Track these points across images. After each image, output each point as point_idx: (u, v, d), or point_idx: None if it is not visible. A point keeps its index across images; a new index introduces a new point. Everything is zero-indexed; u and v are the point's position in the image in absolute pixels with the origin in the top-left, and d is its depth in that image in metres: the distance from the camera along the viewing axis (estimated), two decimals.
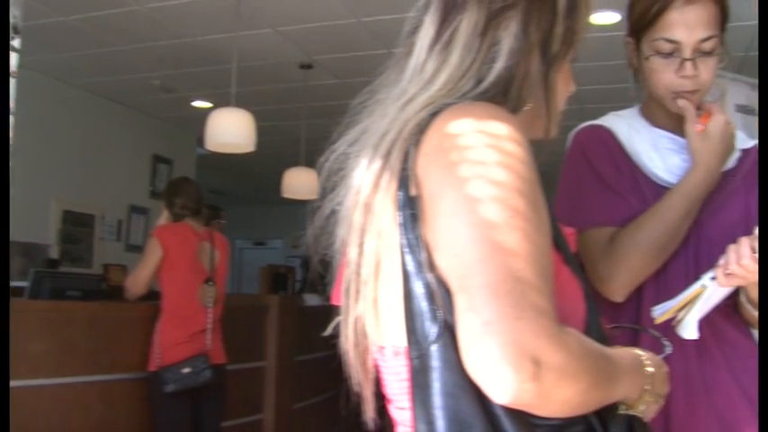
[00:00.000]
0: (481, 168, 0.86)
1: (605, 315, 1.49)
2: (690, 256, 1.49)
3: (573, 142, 1.60)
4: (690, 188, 1.46)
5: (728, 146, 1.51)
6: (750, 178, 1.56)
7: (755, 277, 1.26)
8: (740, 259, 1.25)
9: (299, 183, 5.88)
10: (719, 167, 1.50)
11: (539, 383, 0.78)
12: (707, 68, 1.48)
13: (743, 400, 1.46)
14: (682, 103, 1.49)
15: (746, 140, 1.62)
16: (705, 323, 1.41)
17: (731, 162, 1.56)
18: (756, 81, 3.55)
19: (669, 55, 1.47)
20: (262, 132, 4.95)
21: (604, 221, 1.49)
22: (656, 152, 1.55)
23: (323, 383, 5.31)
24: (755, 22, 4.83)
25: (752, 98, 3.48)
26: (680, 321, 1.36)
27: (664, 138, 1.57)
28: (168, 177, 7.38)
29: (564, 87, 1.10)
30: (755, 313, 1.45)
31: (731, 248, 1.27)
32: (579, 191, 1.54)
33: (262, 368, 4.89)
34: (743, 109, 3.45)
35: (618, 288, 1.45)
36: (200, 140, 5.04)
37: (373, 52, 5.28)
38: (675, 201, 1.45)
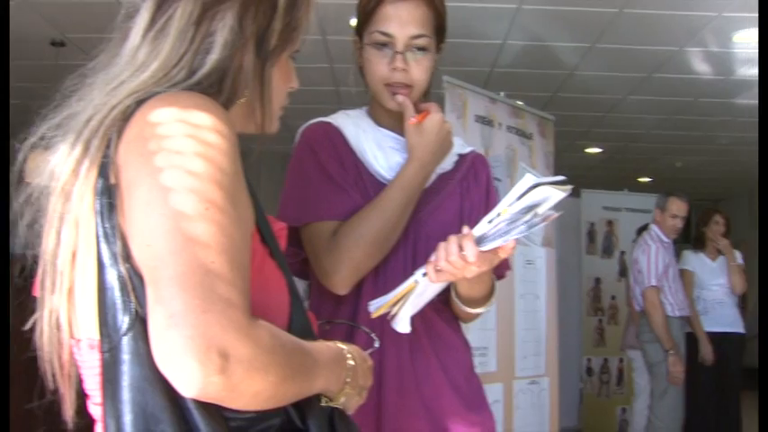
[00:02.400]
0: (179, 158, 0.85)
1: (326, 309, 1.54)
2: (408, 254, 1.56)
3: (300, 138, 1.62)
4: (405, 181, 1.53)
5: (444, 142, 1.59)
6: (465, 182, 1.67)
7: (463, 274, 1.35)
8: (448, 256, 1.32)
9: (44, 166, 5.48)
10: (434, 162, 1.58)
11: (226, 377, 0.78)
12: (418, 66, 1.56)
13: (450, 392, 1.56)
14: (400, 98, 1.56)
15: (464, 146, 1.73)
16: (419, 318, 1.49)
17: (449, 165, 1.66)
18: (495, 95, 3.82)
19: (383, 47, 1.55)
20: None
21: (328, 215, 1.53)
22: (381, 151, 1.61)
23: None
24: (501, 41, 5.18)
25: (490, 110, 3.74)
26: (394, 316, 1.42)
27: (388, 137, 1.63)
28: None
29: (283, 83, 1.11)
30: (465, 308, 1.56)
31: (441, 246, 1.34)
32: (305, 185, 1.56)
33: None
34: (482, 120, 3.69)
35: (341, 281, 1.49)
36: None
37: None
38: (393, 193, 1.51)
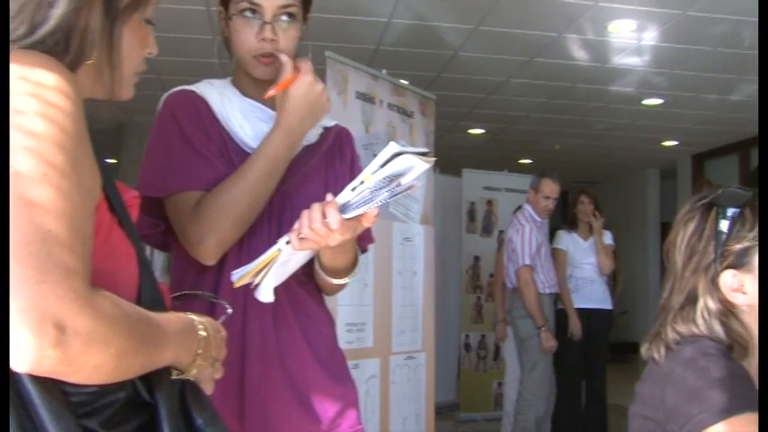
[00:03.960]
0: (18, 118, 0.80)
1: (190, 280, 1.51)
2: (273, 226, 1.55)
3: (164, 106, 1.58)
4: (271, 149, 1.50)
5: (314, 105, 1.55)
6: (330, 155, 1.67)
7: (326, 242, 1.35)
8: (312, 223, 1.32)
9: None
10: (302, 128, 1.55)
11: (62, 350, 0.75)
12: (286, 36, 1.54)
13: (314, 364, 1.57)
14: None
15: (329, 119, 1.72)
16: (283, 290, 1.48)
17: (314, 137, 1.65)
18: (377, 72, 3.84)
19: (251, 17, 1.52)
20: None
21: (191, 185, 1.49)
22: (247, 121, 1.59)
23: None
24: (387, 19, 5.18)
25: (372, 87, 3.76)
26: (257, 285, 1.41)
27: (254, 107, 1.61)
28: None
29: (138, 47, 1.06)
30: (328, 279, 1.57)
31: (304, 213, 1.34)
32: (167, 155, 1.53)
33: None
34: (363, 97, 3.70)
35: (207, 252, 1.47)
36: None
37: None
38: (257, 162, 1.49)
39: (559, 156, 9.75)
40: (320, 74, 3.50)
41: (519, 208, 5.33)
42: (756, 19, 5.00)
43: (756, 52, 5.34)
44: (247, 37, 1.53)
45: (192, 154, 1.51)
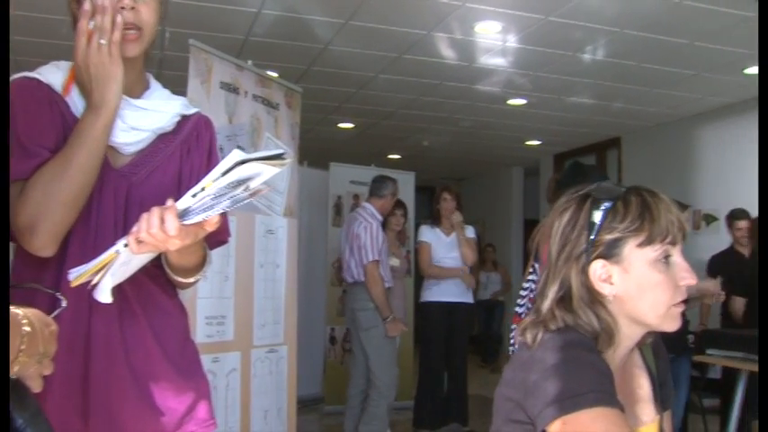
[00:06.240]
0: None
1: (29, 274, 1.44)
2: (119, 217, 1.50)
3: None
4: (80, 127, 1.44)
5: (98, 68, 1.45)
6: (186, 144, 1.62)
7: (165, 246, 1.31)
8: (150, 228, 1.27)
9: None
10: (102, 93, 1.45)
11: None
12: (147, 8, 1.49)
13: (162, 360, 1.53)
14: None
15: (188, 107, 1.66)
16: (130, 284, 1.44)
17: (170, 125, 1.59)
18: (242, 62, 3.78)
19: None
20: None
21: (14, 177, 1.41)
22: None
23: None
24: (256, 10, 5.09)
25: (236, 78, 3.70)
26: (96, 285, 1.36)
27: None
28: None
29: None
30: (176, 278, 1.53)
31: (143, 217, 1.30)
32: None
33: None
34: (227, 87, 3.64)
35: (38, 244, 1.40)
36: None
37: None
38: (71, 142, 1.43)
39: (428, 152, 9.93)
40: (183, 62, 3.43)
41: (356, 205, 5.54)
42: (613, 29, 5.24)
43: (616, 60, 5.58)
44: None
45: (18, 148, 1.42)
